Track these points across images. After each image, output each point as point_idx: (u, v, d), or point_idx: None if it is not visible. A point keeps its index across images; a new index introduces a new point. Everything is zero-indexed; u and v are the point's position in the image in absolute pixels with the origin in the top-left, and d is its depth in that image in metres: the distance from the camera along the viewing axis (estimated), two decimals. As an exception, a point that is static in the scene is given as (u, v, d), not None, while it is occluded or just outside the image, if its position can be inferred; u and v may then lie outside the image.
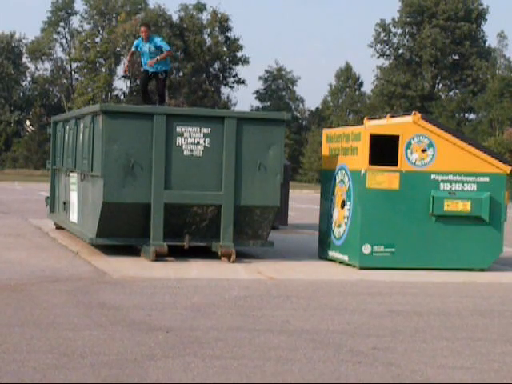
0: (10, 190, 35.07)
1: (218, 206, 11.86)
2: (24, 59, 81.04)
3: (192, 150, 11.81)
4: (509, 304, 9.36)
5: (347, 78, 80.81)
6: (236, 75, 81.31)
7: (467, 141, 12.23)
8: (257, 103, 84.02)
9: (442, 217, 11.80)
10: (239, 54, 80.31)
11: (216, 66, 79.82)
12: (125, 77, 78.36)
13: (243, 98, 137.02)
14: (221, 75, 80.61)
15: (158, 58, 13.84)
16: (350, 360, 6.20)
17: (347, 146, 12.18)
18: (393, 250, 11.68)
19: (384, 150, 11.68)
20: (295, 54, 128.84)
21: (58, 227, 15.66)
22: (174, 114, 11.94)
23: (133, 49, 14.62)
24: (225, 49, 78.86)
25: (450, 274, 11.47)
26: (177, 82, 76.65)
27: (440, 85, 77.61)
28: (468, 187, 11.89)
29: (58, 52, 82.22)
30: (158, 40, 14.19)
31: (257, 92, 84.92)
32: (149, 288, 9.21)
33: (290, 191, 19.22)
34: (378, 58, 78.50)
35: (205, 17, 79.69)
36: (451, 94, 76.67)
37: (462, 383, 5.74)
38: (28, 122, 78.15)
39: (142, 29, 14.29)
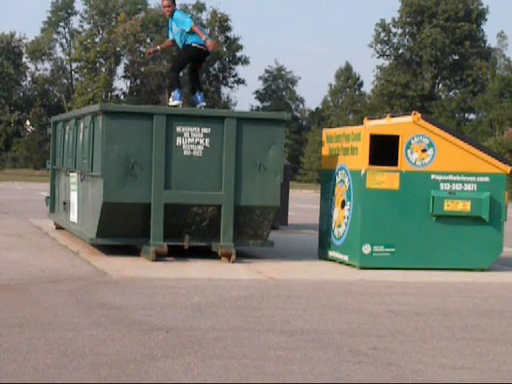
0: (10, 189, 35.05)
1: (218, 206, 11.86)
2: (24, 59, 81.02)
3: (192, 150, 11.81)
4: (509, 304, 9.36)
5: (347, 78, 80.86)
6: (236, 75, 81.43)
7: (467, 141, 12.23)
8: (257, 103, 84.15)
9: (442, 217, 11.79)
10: (239, 54, 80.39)
11: (216, 65, 79.85)
12: (125, 77, 78.39)
13: (243, 98, 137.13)
14: (221, 75, 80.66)
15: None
16: (350, 360, 6.20)
17: (347, 146, 12.18)
18: (393, 250, 11.68)
19: (384, 150, 11.68)
20: (295, 54, 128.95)
21: (58, 227, 15.66)
22: (174, 113, 11.92)
23: (170, 37, 12.63)
24: (225, 49, 78.89)
25: (450, 274, 11.46)
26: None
27: (440, 85, 77.66)
28: (468, 187, 11.89)
29: (58, 52, 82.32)
30: (178, 16, 12.22)
31: (257, 92, 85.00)
32: (149, 288, 9.21)
33: (290, 191, 19.21)
34: (378, 57, 78.67)
35: (204, 17, 79.83)
36: (451, 94, 76.76)
37: (461, 383, 5.74)
38: (28, 122, 78.11)
39: (164, 3, 12.45)
